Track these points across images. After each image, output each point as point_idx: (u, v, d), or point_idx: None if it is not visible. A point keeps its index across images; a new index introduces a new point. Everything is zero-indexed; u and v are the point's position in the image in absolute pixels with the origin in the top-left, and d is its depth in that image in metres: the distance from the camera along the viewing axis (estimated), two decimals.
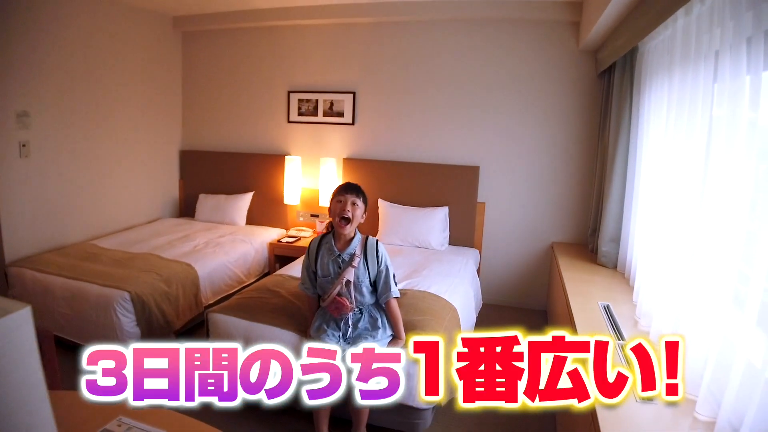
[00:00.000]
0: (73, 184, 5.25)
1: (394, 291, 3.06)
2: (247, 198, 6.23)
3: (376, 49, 5.68)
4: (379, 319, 3.10)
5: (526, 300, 5.53)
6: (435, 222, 5.32)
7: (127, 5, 5.69)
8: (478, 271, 5.40)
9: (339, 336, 3.05)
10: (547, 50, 5.13)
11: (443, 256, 5.00)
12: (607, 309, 3.22)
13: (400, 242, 5.35)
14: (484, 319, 4.92)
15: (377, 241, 3.10)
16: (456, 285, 4.20)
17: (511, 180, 5.41)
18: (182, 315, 4.37)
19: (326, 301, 3.02)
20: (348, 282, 2.99)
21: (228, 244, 5.32)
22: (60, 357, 4.12)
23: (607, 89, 4.51)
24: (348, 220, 2.95)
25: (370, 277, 3.03)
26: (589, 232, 4.84)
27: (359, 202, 3.01)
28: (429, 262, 4.71)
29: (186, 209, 6.71)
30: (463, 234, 5.48)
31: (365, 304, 3.09)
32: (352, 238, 3.05)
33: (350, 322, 3.07)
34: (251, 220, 6.26)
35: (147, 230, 5.77)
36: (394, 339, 3.12)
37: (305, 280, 3.21)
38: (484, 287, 5.42)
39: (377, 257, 3.03)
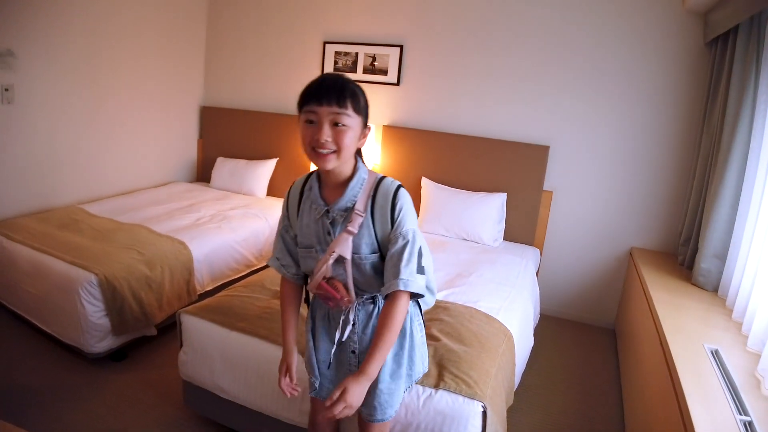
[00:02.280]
0: (66, 137, 4.48)
1: (405, 280, 1.58)
2: (269, 165, 5.39)
3: None
4: (400, 338, 1.81)
5: (592, 315, 4.55)
6: (489, 211, 4.36)
7: None
8: (536, 274, 4.42)
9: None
10: (641, 8, 4.05)
11: (497, 255, 4.04)
12: (716, 356, 2.31)
13: (444, 233, 4.42)
14: (540, 337, 3.99)
15: (399, 187, 1.69)
16: (513, 299, 3.24)
17: (587, 166, 4.39)
18: (167, 305, 3.57)
19: (311, 285, 1.77)
20: (340, 258, 1.67)
21: (238, 219, 4.50)
22: (18, 344, 3.43)
23: (719, 62, 3.49)
24: (332, 153, 1.59)
25: (381, 251, 1.70)
26: (681, 240, 3.84)
27: (348, 116, 1.56)
28: (479, 263, 3.77)
29: (203, 173, 5.97)
30: (523, 228, 4.51)
31: (381, 297, 1.79)
32: (350, 178, 1.69)
33: (346, 335, 1.78)
34: (273, 190, 5.43)
35: (150, 196, 4.99)
36: (359, 371, 1.60)
37: (280, 252, 1.90)
38: (543, 294, 4.47)
39: (392, 214, 1.66)
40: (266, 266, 4.26)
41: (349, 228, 1.64)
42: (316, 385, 1.90)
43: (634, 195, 4.29)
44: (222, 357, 2.58)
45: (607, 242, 4.42)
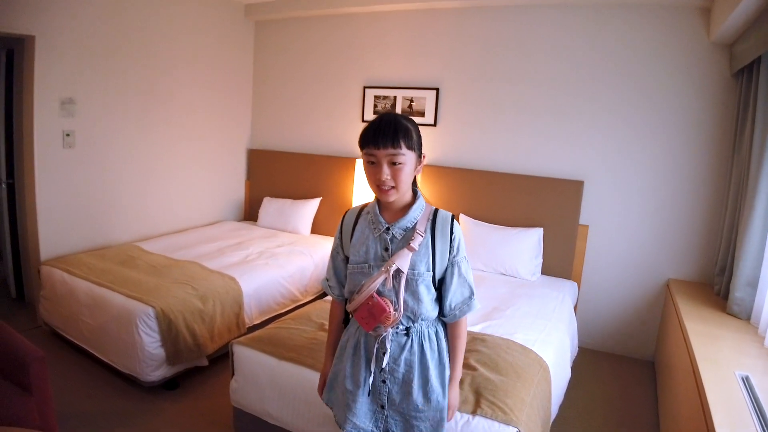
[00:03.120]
0: (122, 179, 4.80)
1: (474, 300, 1.87)
2: (313, 204, 5.60)
3: (464, 39, 4.88)
4: (441, 360, 1.87)
5: (630, 347, 4.53)
6: (526, 246, 4.45)
7: None
8: (575, 308, 4.46)
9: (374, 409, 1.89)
10: (669, 42, 4.15)
11: (534, 289, 4.11)
12: (746, 382, 2.35)
13: (482, 267, 4.51)
14: (579, 370, 4.02)
15: (452, 216, 1.85)
16: (549, 331, 3.31)
17: (622, 199, 4.44)
18: (218, 337, 3.75)
19: (353, 303, 1.81)
20: (398, 272, 1.75)
21: (284, 256, 4.68)
22: (77, 372, 3.70)
23: (746, 92, 3.54)
24: (392, 188, 1.74)
25: (435, 271, 1.80)
26: (716, 270, 3.83)
27: (402, 155, 1.70)
28: (516, 297, 3.85)
29: (251, 212, 6.22)
30: (560, 262, 4.55)
31: (421, 320, 1.84)
32: (410, 203, 1.84)
33: (385, 362, 1.82)
34: (317, 228, 5.64)
35: (201, 234, 5.25)
36: (451, 380, 1.88)
37: (329, 273, 2.02)
38: (581, 328, 4.51)
39: (451, 241, 1.81)
40: (312, 301, 4.42)
41: (411, 244, 1.76)
42: (341, 422, 1.92)
43: (670, 227, 4.30)
44: (271, 385, 2.72)
45: (644, 274, 4.42)
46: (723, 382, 2.34)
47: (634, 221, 4.42)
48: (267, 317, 4.25)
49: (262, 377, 2.76)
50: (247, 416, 2.88)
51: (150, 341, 3.33)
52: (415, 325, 1.83)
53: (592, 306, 4.62)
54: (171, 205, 5.36)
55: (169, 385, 3.55)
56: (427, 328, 1.85)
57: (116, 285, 3.65)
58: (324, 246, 5.12)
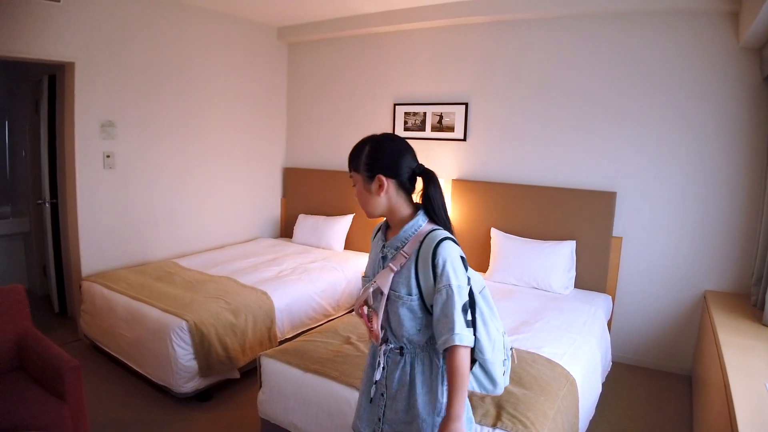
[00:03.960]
0: (161, 198, 4.97)
1: (459, 334, 1.61)
2: (346, 220, 5.67)
3: (492, 53, 4.90)
4: (432, 389, 1.77)
5: (667, 362, 4.41)
6: (559, 259, 4.40)
7: (231, 15, 5.42)
8: (609, 322, 4.38)
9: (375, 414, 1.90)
10: (698, 48, 4.08)
11: (566, 302, 4.06)
12: None
13: (514, 281, 4.48)
14: (612, 387, 3.94)
15: (445, 239, 1.69)
16: (579, 345, 3.26)
17: (655, 210, 4.35)
18: (249, 351, 3.82)
19: (354, 309, 1.98)
20: (378, 291, 1.77)
21: (317, 271, 4.75)
22: (114, 383, 3.84)
23: None
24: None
25: (421, 295, 1.72)
26: (753, 281, 3.73)
27: (352, 176, 1.81)
28: (546, 311, 3.81)
29: (286, 230, 6.34)
30: (594, 275, 4.48)
31: (408, 343, 1.79)
32: (407, 221, 1.79)
33: (378, 376, 1.85)
34: (350, 244, 5.70)
35: (237, 250, 5.37)
36: (445, 416, 1.64)
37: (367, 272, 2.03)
38: (616, 341, 4.42)
39: (433, 264, 1.68)
40: (342, 315, 4.46)
41: (391, 264, 1.74)
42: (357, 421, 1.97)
43: (706, 236, 4.20)
44: (296, 396, 2.77)
45: (680, 286, 4.31)
46: (752, 393, 2.28)
47: (668, 232, 4.32)
48: (299, 331, 4.30)
49: (287, 389, 2.81)
50: (274, 427, 2.93)
51: (183, 353, 3.42)
52: (408, 346, 1.79)
53: (627, 319, 4.52)
54: (208, 222, 5.51)
55: (202, 396, 3.63)
56: (421, 352, 1.78)
57: (152, 299, 3.78)
58: (356, 261, 5.18)
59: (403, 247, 1.76)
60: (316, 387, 2.71)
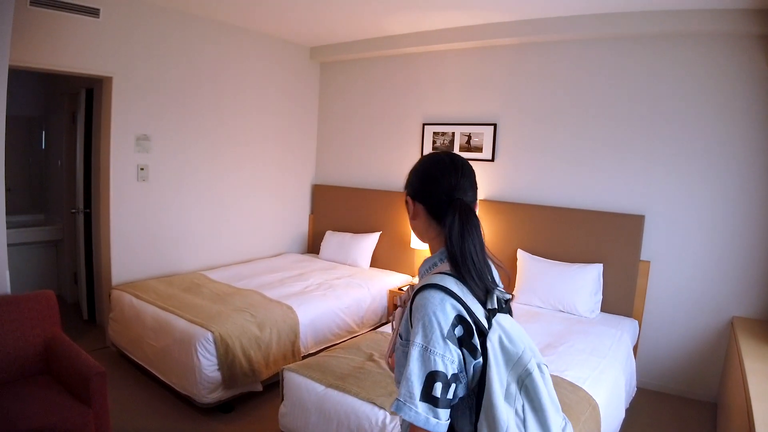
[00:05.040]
0: (191, 211, 5.06)
1: (400, 403, 1.24)
2: (373, 238, 5.69)
3: (521, 75, 4.93)
4: None
5: (693, 388, 4.31)
6: (585, 282, 4.35)
7: (265, 35, 5.54)
8: (635, 347, 4.31)
9: None
10: (728, 72, 4.05)
11: (591, 326, 4.01)
12: None
13: (540, 304, 4.44)
14: (636, 413, 3.87)
15: (428, 287, 1.31)
16: (603, 369, 3.23)
17: (684, 234, 4.29)
18: (273, 364, 3.84)
19: None
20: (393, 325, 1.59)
21: (342, 288, 4.77)
22: (139, 391, 3.88)
23: None
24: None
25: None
26: None
27: (408, 199, 1.52)
28: (571, 334, 3.77)
29: (314, 246, 6.38)
30: (621, 299, 4.42)
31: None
32: (428, 258, 1.51)
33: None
34: (376, 262, 5.71)
35: (265, 264, 5.43)
36: None
37: None
38: (642, 367, 4.35)
39: (410, 315, 1.34)
40: (366, 332, 4.46)
41: (400, 305, 1.54)
42: None
43: (734, 262, 4.12)
44: (316, 410, 2.78)
45: (707, 312, 4.23)
46: None
47: (697, 257, 4.26)
48: (322, 347, 4.31)
49: (308, 403, 2.82)
50: None
51: (207, 364, 3.46)
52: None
53: (653, 344, 4.44)
54: (237, 236, 5.58)
55: (224, 408, 3.66)
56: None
57: (180, 310, 3.83)
58: (382, 279, 5.19)
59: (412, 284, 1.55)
60: (337, 402, 2.72)
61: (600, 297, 4.41)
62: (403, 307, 1.48)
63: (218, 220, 5.34)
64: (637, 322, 4.38)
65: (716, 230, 4.17)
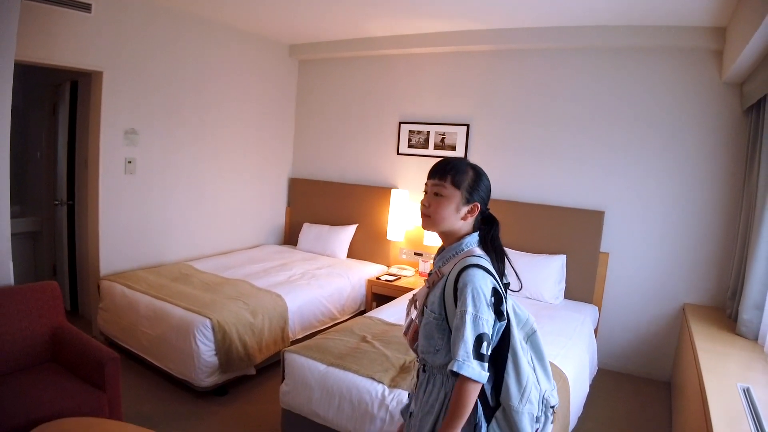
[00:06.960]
0: (176, 203, 5.20)
1: (460, 362, 1.57)
2: (350, 230, 5.93)
3: (494, 79, 5.24)
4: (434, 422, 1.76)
5: (649, 369, 4.74)
6: (550, 272, 4.71)
7: (245, 32, 5.70)
8: (596, 331, 4.70)
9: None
10: (683, 82, 4.45)
11: (557, 311, 4.38)
12: (746, 393, 2.59)
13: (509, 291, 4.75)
14: (598, 390, 4.26)
15: (475, 266, 1.66)
16: (570, 348, 3.59)
17: (639, 229, 4.70)
18: (265, 349, 4.06)
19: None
20: (414, 301, 1.92)
21: (324, 277, 5.01)
22: (133, 378, 4.06)
23: (755, 127, 3.80)
24: (428, 217, 1.81)
25: (446, 316, 1.72)
26: (728, 295, 4.06)
27: (445, 187, 1.76)
28: (539, 318, 4.09)
29: (291, 237, 6.58)
30: (582, 287, 4.81)
31: (434, 367, 1.79)
32: (454, 242, 1.81)
33: (411, 388, 1.96)
34: (353, 253, 5.96)
35: (245, 255, 5.62)
36: None
37: None
38: (601, 349, 4.74)
39: (455, 290, 1.67)
40: (348, 319, 4.70)
41: (427, 281, 1.85)
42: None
43: (686, 254, 4.54)
44: (319, 387, 3.02)
45: (661, 299, 4.64)
46: (725, 393, 2.56)
47: (651, 249, 4.66)
48: (308, 333, 4.57)
49: (311, 381, 3.05)
50: (295, 417, 3.17)
51: (206, 350, 3.65)
52: (433, 372, 1.79)
53: (612, 329, 4.84)
54: (218, 228, 5.75)
55: (219, 391, 3.87)
56: (440, 374, 1.77)
57: (175, 299, 4.00)
58: (359, 269, 5.44)
59: (443, 266, 1.81)
60: (339, 379, 2.97)
61: (563, 285, 4.78)
62: (430, 288, 1.81)
63: (200, 212, 5.50)
64: (597, 308, 4.77)
65: (669, 225, 4.57)
